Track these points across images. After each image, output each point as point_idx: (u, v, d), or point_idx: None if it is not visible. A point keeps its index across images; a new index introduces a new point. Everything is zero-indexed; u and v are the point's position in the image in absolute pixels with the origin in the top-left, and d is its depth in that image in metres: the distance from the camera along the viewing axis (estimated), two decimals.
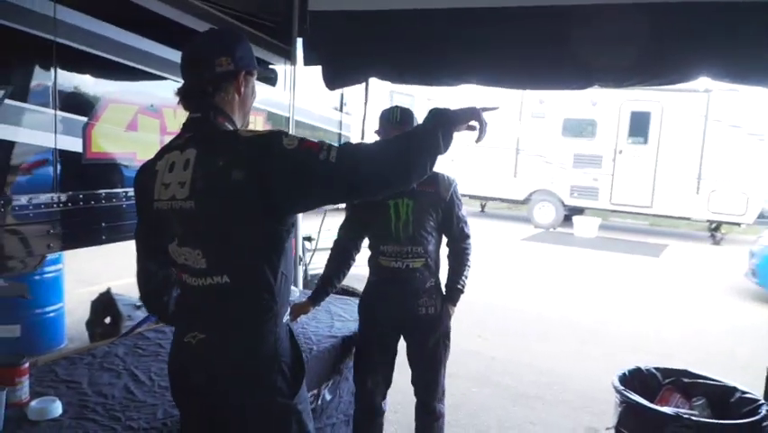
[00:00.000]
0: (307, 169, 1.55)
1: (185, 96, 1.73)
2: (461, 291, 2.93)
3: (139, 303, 4.68)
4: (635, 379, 2.97)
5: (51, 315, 4.98)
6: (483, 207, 16.44)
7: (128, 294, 4.92)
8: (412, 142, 1.66)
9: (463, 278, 2.94)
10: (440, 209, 2.86)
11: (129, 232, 2.83)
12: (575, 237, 13.01)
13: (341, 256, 2.97)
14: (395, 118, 2.80)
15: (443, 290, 2.94)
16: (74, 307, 5.35)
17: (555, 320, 6.72)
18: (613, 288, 8.57)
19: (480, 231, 13.90)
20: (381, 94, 13.03)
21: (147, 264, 1.87)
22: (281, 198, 1.59)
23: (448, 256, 2.98)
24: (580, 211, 14.24)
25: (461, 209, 2.94)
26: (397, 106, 2.88)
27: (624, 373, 2.95)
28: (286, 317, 1.75)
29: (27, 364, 2.09)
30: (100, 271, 6.82)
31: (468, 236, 2.97)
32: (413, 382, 2.98)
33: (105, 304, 4.69)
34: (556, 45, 3.09)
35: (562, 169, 13.85)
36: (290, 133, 1.65)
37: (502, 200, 15.33)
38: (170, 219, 1.67)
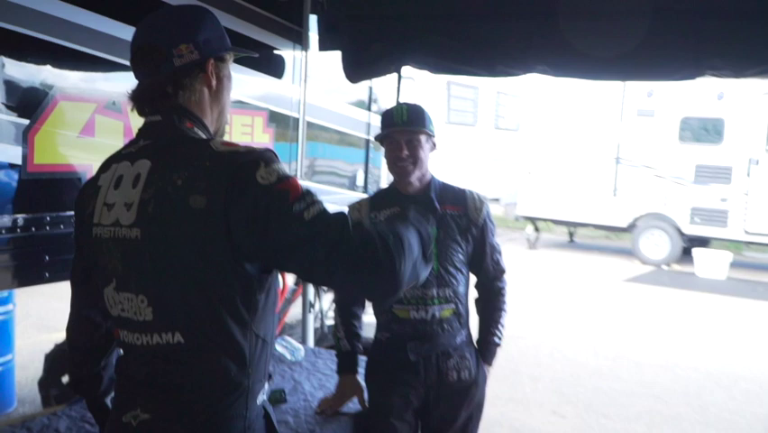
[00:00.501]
0: (270, 217, 1.50)
1: (138, 98, 1.71)
2: (499, 345, 2.90)
3: None
4: None
5: None
6: (572, 235, 16.20)
7: None
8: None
9: (500, 327, 2.90)
10: (470, 237, 2.82)
11: None
12: (698, 278, 12.66)
13: (343, 302, 2.94)
14: (401, 118, 2.75)
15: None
16: (28, 360, 5.44)
17: (666, 394, 6.49)
18: (750, 349, 8.25)
19: (567, 267, 13.77)
20: (435, 86, 13.11)
21: (86, 313, 1.86)
22: (241, 244, 1.53)
23: (477, 301, 2.96)
24: (703, 242, 13.83)
25: (495, 236, 2.90)
26: (404, 103, 2.85)
27: None
28: (261, 397, 1.69)
29: None
30: (63, 314, 6.93)
31: (504, 271, 2.94)
32: None
33: (60, 358, 4.74)
34: (653, 21, 3.02)
35: (678, 185, 13.51)
36: (273, 164, 1.55)
37: (597, 227, 15.04)
38: (110, 252, 1.63)
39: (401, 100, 4.07)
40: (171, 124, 1.66)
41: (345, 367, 2.91)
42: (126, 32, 2.90)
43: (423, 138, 2.74)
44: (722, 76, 3.16)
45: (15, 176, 2.59)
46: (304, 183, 1.67)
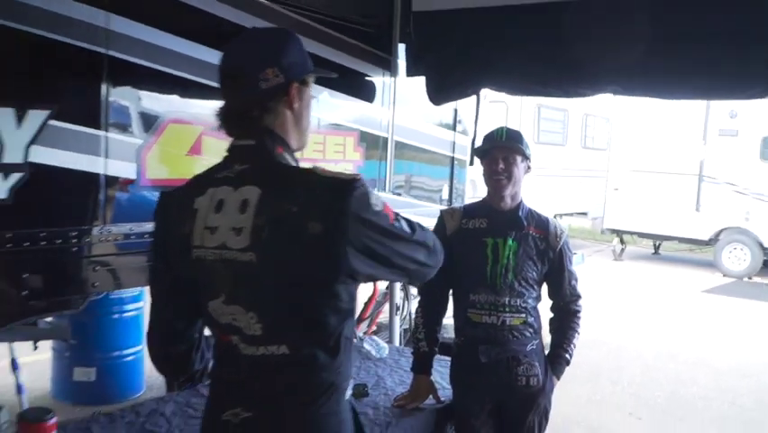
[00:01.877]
0: (384, 239, 1.54)
1: (226, 119, 1.63)
2: (568, 362, 2.84)
3: None
4: None
5: (130, 358, 5.21)
6: (657, 248, 15.56)
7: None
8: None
9: (573, 345, 2.85)
10: (547, 260, 2.78)
11: None
12: None
13: (433, 302, 2.90)
14: (500, 138, 2.75)
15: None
16: None
17: (741, 400, 6.09)
18: None
19: (650, 277, 13.22)
20: (526, 109, 12.90)
21: (174, 323, 1.75)
22: (356, 265, 1.52)
23: (552, 320, 2.91)
24: None
25: (572, 263, 2.86)
26: (505, 127, 2.85)
27: None
28: (348, 393, 1.67)
29: (54, 421, 2.17)
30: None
31: (580, 296, 2.88)
32: None
33: None
34: (728, 37, 2.83)
35: (760, 201, 12.79)
36: (373, 191, 1.58)
37: (681, 240, 14.40)
38: (217, 272, 1.56)
39: (492, 122, 4.00)
40: (264, 148, 1.59)
41: (420, 367, 2.88)
42: None
43: (518, 157, 2.71)
44: None
45: (130, 189, 2.67)
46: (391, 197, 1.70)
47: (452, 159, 4.59)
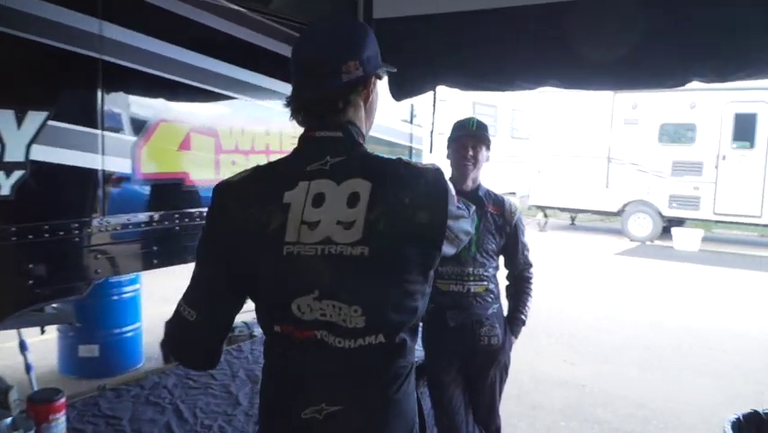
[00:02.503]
0: (459, 221, 1.40)
1: (308, 109, 1.39)
2: (524, 322, 2.80)
3: None
4: (752, 425, 2.53)
5: (129, 334, 5.06)
6: (573, 219, 15.76)
7: None
8: None
9: (527, 308, 2.81)
10: (504, 234, 2.72)
11: (182, 255, 2.76)
12: (675, 251, 12.15)
13: None
14: (471, 128, 2.69)
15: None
16: (155, 325, 5.38)
17: (655, 344, 6.15)
18: (721, 307, 7.82)
19: (569, 245, 13.37)
20: (462, 106, 12.82)
21: (218, 324, 1.44)
22: (445, 250, 1.38)
23: (508, 287, 2.86)
24: (679, 222, 13.30)
25: (525, 236, 2.82)
26: (474, 117, 2.78)
27: (738, 419, 2.51)
28: None
29: (63, 400, 1.98)
30: (182, 290, 6.90)
31: (531, 264, 2.85)
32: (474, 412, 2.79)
33: None
34: (645, 35, 2.75)
35: (658, 177, 13.02)
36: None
37: (594, 212, 14.62)
38: (312, 268, 1.31)
39: (436, 116, 3.88)
40: (353, 140, 1.37)
41: None
42: (214, 64, 2.77)
43: (484, 147, 2.67)
44: (708, 81, 2.86)
45: (126, 183, 2.46)
46: None
47: (410, 148, 4.46)
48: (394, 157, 1.40)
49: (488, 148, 2.69)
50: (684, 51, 2.67)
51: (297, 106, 1.40)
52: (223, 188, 1.41)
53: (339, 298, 1.31)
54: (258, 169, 1.42)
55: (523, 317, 2.78)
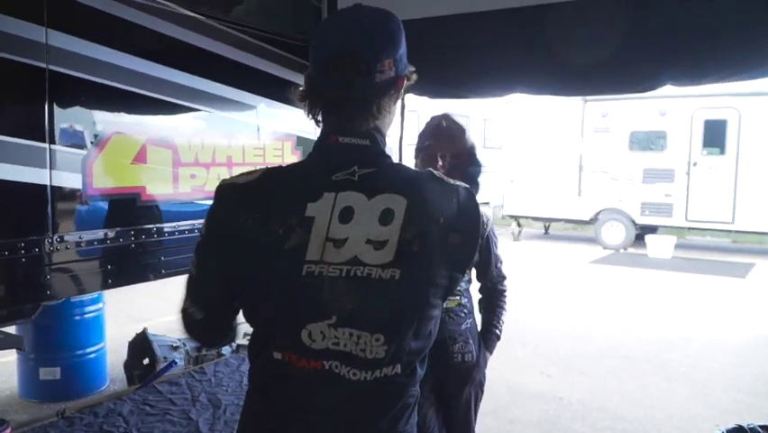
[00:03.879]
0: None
1: (332, 109, 1.21)
2: (499, 337, 2.67)
3: (176, 343, 4.50)
4: None
5: (92, 356, 4.90)
6: (547, 228, 15.82)
7: (168, 333, 4.75)
8: None
9: (501, 322, 2.67)
10: None
11: (141, 273, 2.65)
12: (649, 258, 12.21)
13: None
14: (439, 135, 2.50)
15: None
16: (121, 345, 5.22)
17: (632, 354, 6.13)
18: (696, 314, 7.85)
19: (543, 254, 13.41)
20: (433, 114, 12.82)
21: (231, 313, 1.32)
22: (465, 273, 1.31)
23: (481, 300, 2.72)
24: (652, 230, 13.40)
25: (498, 248, 2.68)
26: (447, 114, 2.58)
27: None
28: None
29: (8, 431, 1.86)
30: (151, 307, 6.72)
31: (505, 277, 2.70)
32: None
33: (141, 345, 4.53)
34: (618, 39, 2.73)
35: (630, 185, 13.12)
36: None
37: (567, 221, 14.69)
38: (333, 290, 1.16)
39: (408, 127, 3.80)
40: (380, 150, 1.22)
41: None
42: (171, 74, 2.67)
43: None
44: (681, 84, 2.85)
45: (76, 199, 2.35)
46: None
47: None
48: (423, 170, 1.27)
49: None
50: (657, 55, 2.65)
51: (319, 103, 1.21)
52: (228, 190, 1.23)
53: (360, 325, 1.16)
54: (269, 172, 1.23)
55: (498, 331, 2.68)
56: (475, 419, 2.67)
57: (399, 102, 1.28)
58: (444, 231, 1.18)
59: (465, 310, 2.57)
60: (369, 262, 1.14)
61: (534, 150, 14.17)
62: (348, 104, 1.19)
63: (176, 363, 2.99)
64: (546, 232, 15.81)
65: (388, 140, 1.27)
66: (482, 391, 2.65)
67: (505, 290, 2.70)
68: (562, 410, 4.63)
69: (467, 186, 1.27)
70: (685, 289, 9.47)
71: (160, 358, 4.34)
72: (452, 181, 1.25)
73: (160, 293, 6.72)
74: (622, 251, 13.18)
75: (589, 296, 8.88)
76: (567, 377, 5.41)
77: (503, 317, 2.69)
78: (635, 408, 4.69)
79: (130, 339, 4.70)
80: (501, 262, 2.69)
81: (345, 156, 1.19)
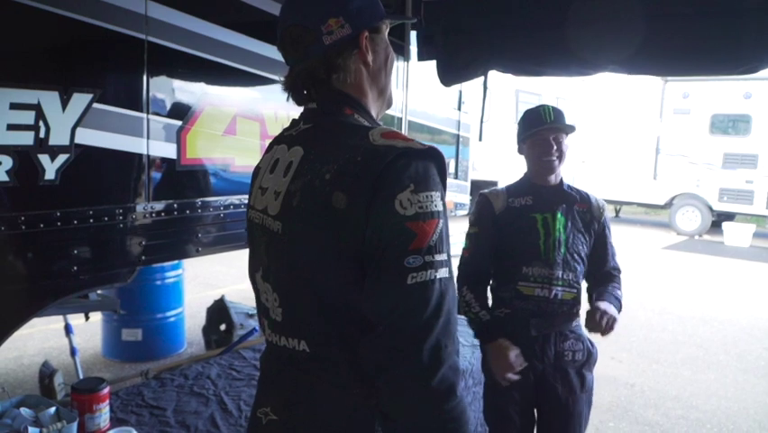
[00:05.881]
0: (384, 253, 1.00)
1: (292, 88, 1.19)
2: (620, 305, 2.30)
3: (252, 311, 4.62)
4: None
5: (172, 319, 5.07)
6: (618, 211, 15.37)
7: (242, 301, 4.88)
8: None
9: (620, 295, 2.33)
10: (593, 231, 2.35)
11: (226, 243, 2.70)
12: (725, 246, 11.70)
13: (479, 279, 2.37)
14: (548, 117, 2.27)
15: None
16: (196, 311, 5.40)
17: (707, 343, 5.89)
18: None
19: (615, 238, 12.88)
20: (504, 93, 12.56)
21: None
22: (365, 258, 1.04)
23: (590, 287, 2.41)
24: (730, 217, 12.83)
25: (612, 237, 2.43)
26: (547, 105, 2.34)
27: None
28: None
29: (107, 390, 1.93)
30: (224, 275, 6.92)
31: (620, 271, 2.42)
32: None
33: (219, 311, 4.66)
34: (716, 19, 2.57)
35: (709, 170, 12.56)
36: (422, 190, 1.01)
37: (639, 205, 14.22)
38: (259, 239, 1.18)
39: (486, 101, 3.68)
40: (329, 111, 1.16)
41: (495, 333, 2.24)
42: (262, 47, 2.69)
43: (565, 136, 2.29)
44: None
45: (171, 168, 2.41)
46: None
47: (458, 136, 4.32)
48: (374, 128, 1.11)
49: (567, 135, 2.32)
50: (759, 34, 2.47)
51: (284, 85, 1.20)
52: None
53: (269, 280, 1.15)
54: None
55: (619, 294, 2.31)
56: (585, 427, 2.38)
57: (374, 55, 1.18)
58: (329, 188, 1.03)
59: (578, 307, 2.33)
60: (270, 213, 1.14)
61: (608, 130, 13.74)
62: (302, 74, 1.16)
63: (256, 330, 3.05)
64: (617, 215, 15.38)
65: (372, 101, 1.20)
66: (592, 396, 2.36)
67: (620, 278, 2.39)
68: (634, 397, 4.50)
69: (417, 156, 1.03)
70: (763, 279, 9.02)
71: (237, 325, 4.45)
72: (381, 143, 1.05)
73: (233, 262, 6.92)
74: (697, 237, 12.70)
75: (662, 283, 8.58)
76: (639, 364, 5.25)
77: (619, 296, 2.32)
78: (709, 398, 4.51)
79: (207, 305, 4.84)
80: (616, 255, 2.44)
81: (302, 115, 1.21)
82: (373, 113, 1.21)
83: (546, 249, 2.27)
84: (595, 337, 2.24)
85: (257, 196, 1.20)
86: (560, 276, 2.25)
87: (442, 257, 1.02)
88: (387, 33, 1.22)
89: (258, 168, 1.26)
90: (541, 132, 2.27)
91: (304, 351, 1.11)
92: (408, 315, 0.99)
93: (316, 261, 1.06)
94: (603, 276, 2.37)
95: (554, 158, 2.28)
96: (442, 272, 1.02)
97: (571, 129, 2.29)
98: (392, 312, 1.00)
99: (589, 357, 2.33)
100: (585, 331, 2.32)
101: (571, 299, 2.28)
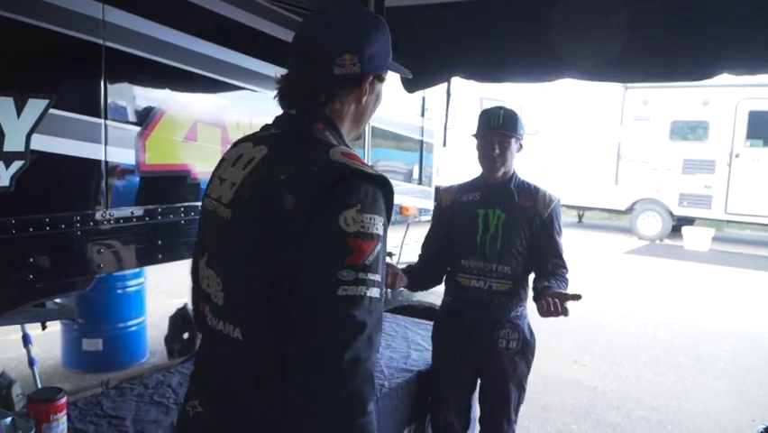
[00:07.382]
0: (320, 261, 1.07)
1: (287, 93, 1.27)
2: (551, 288, 2.38)
3: None
4: None
5: (133, 329, 5.01)
6: (581, 217, 15.64)
7: None
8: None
9: (562, 283, 2.42)
10: (534, 226, 2.47)
11: (188, 250, 2.68)
12: (685, 250, 12.02)
13: (427, 271, 2.66)
14: (497, 122, 2.45)
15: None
16: (159, 319, 5.33)
17: (668, 346, 6.05)
18: (734, 308, 7.71)
19: (578, 243, 13.21)
20: (469, 100, 12.70)
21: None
22: (305, 261, 1.09)
23: (536, 279, 2.50)
24: (690, 221, 13.17)
25: (560, 235, 2.53)
26: (501, 107, 2.53)
27: (764, 430, 2.42)
28: None
29: (64, 399, 1.90)
30: (187, 283, 6.82)
31: (567, 269, 2.50)
32: (480, 422, 2.63)
33: (181, 320, 4.61)
34: (674, 24, 2.66)
35: (669, 175, 12.88)
36: (367, 212, 1.09)
37: (602, 210, 14.50)
38: (210, 225, 1.27)
39: (449, 107, 3.75)
40: (304, 121, 1.24)
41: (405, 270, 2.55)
42: (222, 53, 2.68)
43: (512, 141, 2.47)
44: (738, 74, 2.75)
45: (130, 175, 2.38)
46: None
47: (422, 142, 4.36)
48: (337, 146, 1.19)
49: (517, 139, 2.48)
50: (713, 42, 2.56)
51: (282, 88, 1.27)
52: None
53: (213, 266, 1.23)
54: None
55: (564, 286, 2.41)
56: (516, 417, 2.57)
57: (368, 98, 1.27)
58: (281, 189, 1.10)
59: (517, 298, 2.49)
60: (222, 201, 1.23)
61: (570, 136, 13.98)
62: (304, 91, 1.24)
63: None
64: (580, 220, 15.65)
65: (346, 129, 1.29)
66: (526, 383, 2.56)
67: (565, 274, 2.49)
68: (597, 400, 4.60)
69: (366, 180, 1.11)
70: (722, 282, 9.30)
71: (199, 333, 4.41)
72: (338, 159, 1.13)
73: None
74: (658, 242, 13.00)
75: (624, 286, 8.77)
76: (601, 367, 5.36)
77: (562, 285, 2.41)
78: (670, 400, 4.64)
79: (169, 314, 4.78)
80: (563, 252, 2.54)
81: (276, 120, 1.31)
82: (346, 137, 1.29)
83: (483, 243, 2.46)
84: (559, 341, 2.37)
85: (215, 185, 1.29)
86: (494, 268, 2.45)
87: (375, 277, 1.09)
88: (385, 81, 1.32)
89: (222, 159, 1.34)
90: (487, 135, 2.46)
91: (237, 338, 1.16)
92: (333, 324, 1.05)
93: (253, 254, 1.14)
94: (548, 272, 2.46)
95: (497, 162, 2.46)
96: (373, 292, 1.08)
97: (517, 136, 2.45)
98: (319, 319, 1.06)
99: (525, 346, 2.51)
100: (527, 322, 2.52)
101: (506, 291, 2.46)
